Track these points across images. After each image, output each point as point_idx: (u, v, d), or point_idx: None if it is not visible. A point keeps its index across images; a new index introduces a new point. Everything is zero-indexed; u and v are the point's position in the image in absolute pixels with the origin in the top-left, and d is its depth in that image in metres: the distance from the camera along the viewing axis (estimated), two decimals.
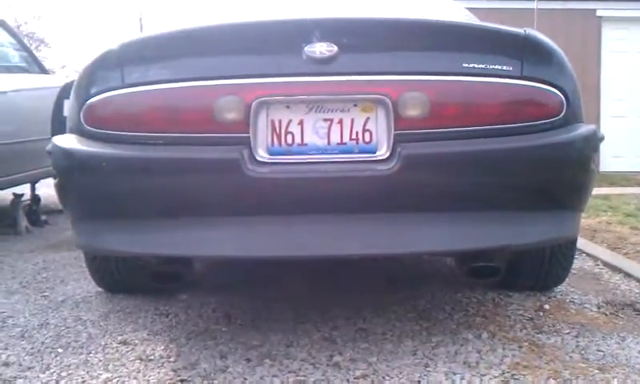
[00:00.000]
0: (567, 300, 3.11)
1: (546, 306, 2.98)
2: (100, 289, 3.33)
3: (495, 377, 2.18)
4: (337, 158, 2.18)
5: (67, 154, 2.29)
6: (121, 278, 3.13)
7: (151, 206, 2.19)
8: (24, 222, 5.38)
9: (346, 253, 2.21)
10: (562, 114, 2.23)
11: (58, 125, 3.42)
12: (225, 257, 2.28)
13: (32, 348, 2.57)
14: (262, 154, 2.17)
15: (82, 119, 2.29)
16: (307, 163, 2.17)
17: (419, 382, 2.17)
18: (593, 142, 2.29)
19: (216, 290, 3.26)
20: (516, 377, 2.18)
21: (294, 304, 3.03)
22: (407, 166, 2.09)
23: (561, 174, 2.20)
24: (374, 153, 2.17)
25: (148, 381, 2.24)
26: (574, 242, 3.04)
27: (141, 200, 2.19)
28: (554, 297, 3.16)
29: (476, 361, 2.33)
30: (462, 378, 2.18)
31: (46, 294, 3.37)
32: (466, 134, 2.15)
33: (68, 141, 2.34)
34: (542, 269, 3.07)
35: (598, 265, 3.96)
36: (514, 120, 2.19)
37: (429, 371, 2.25)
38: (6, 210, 5.41)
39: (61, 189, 2.37)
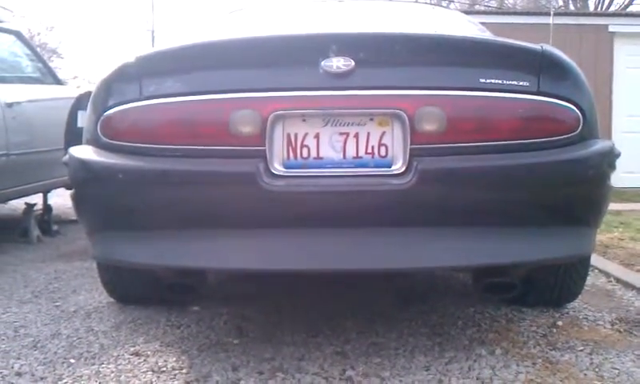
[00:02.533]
0: (580, 316, 3.09)
1: (559, 323, 2.96)
2: (112, 299, 3.34)
3: None
4: (352, 172, 2.18)
5: (84, 165, 2.30)
6: (133, 289, 3.13)
7: (167, 218, 2.19)
8: (36, 232, 5.40)
9: (360, 267, 2.21)
10: (579, 129, 2.22)
11: (72, 136, 3.44)
12: (239, 270, 2.28)
13: (44, 358, 2.57)
14: (277, 168, 2.17)
15: (99, 131, 2.31)
16: (323, 177, 2.18)
17: None
18: (609, 158, 2.28)
19: (227, 302, 3.25)
20: None
21: (306, 317, 3.02)
22: (423, 181, 2.09)
23: (577, 191, 2.20)
24: (390, 167, 2.17)
25: None
26: (588, 258, 3.03)
27: (156, 212, 2.20)
28: (567, 313, 3.13)
29: (490, 377, 2.31)
30: None
31: (57, 304, 3.38)
32: (482, 149, 2.15)
33: (85, 152, 2.36)
34: (555, 285, 3.05)
35: (610, 281, 3.93)
36: (530, 136, 2.18)
37: None
38: (18, 220, 5.43)
39: (77, 200, 2.39)
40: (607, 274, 4.04)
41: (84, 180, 2.33)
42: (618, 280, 3.91)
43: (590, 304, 3.32)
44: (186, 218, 2.18)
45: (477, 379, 2.29)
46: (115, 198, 2.22)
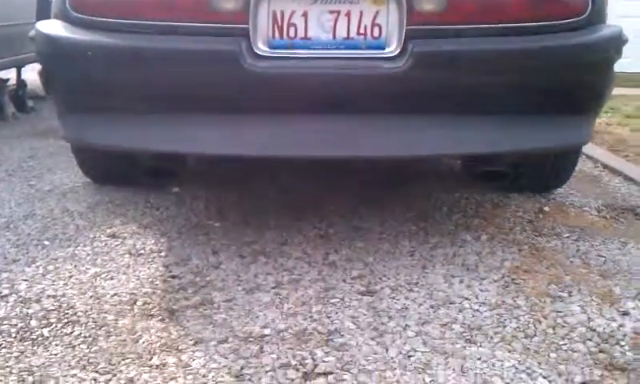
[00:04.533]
0: (567, 202, 3.04)
1: (546, 209, 2.92)
2: (88, 179, 3.23)
3: (495, 281, 2.13)
4: (342, 54, 2.03)
5: (51, 40, 2.12)
6: (109, 170, 3.02)
7: (141, 100, 2.04)
8: (10, 108, 5.23)
9: (348, 154, 2.09)
10: (587, 13, 2.07)
11: (43, 9, 3.22)
12: (220, 155, 2.16)
13: (17, 240, 2.49)
14: (261, 47, 2.01)
15: (67, 4, 2.12)
16: (310, 58, 2.02)
17: (417, 283, 2.11)
18: (618, 44, 2.14)
19: (209, 185, 3.17)
20: (516, 281, 2.13)
21: (289, 202, 2.95)
22: (419, 65, 1.95)
23: (582, 78, 2.06)
24: (383, 49, 2.02)
25: (138, 276, 2.17)
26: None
27: (130, 93, 2.04)
28: (554, 199, 3.09)
29: (475, 264, 2.27)
30: (461, 281, 2.12)
31: (32, 183, 3.28)
32: (484, 32, 2.00)
33: (52, 27, 2.17)
34: (545, 171, 2.98)
35: (597, 167, 3.88)
36: (535, 18, 2.02)
37: (427, 273, 2.19)
38: None
39: (45, 78, 2.22)
40: (594, 160, 3.99)
41: (51, 57, 2.15)
42: (605, 166, 3.87)
43: (577, 190, 3.27)
44: (162, 101, 2.03)
45: (462, 266, 2.25)
46: (84, 77, 2.06)
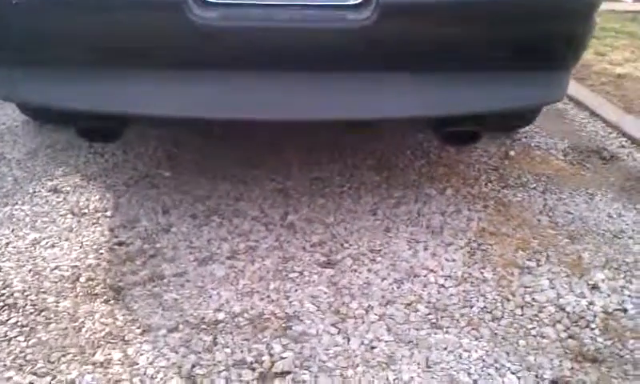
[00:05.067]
0: (532, 144, 2.95)
1: (511, 153, 2.82)
2: (27, 117, 2.99)
3: (461, 247, 2.03)
4: (300, 2, 1.81)
5: None
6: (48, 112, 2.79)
7: (75, 53, 1.81)
8: None
9: (304, 116, 1.91)
10: None
11: None
12: (163, 117, 1.96)
13: None
14: None
15: None
16: (264, 6, 1.80)
17: (380, 251, 2.01)
18: None
19: (157, 125, 2.96)
20: (483, 247, 2.04)
21: (244, 148, 2.78)
22: (384, 16, 1.75)
23: (559, 27, 1.89)
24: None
25: (81, 243, 2.02)
26: None
27: (62, 44, 1.81)
28: (519, 140, 2.99)
29: (440, 225, 2.17)
30: (426, 248, 2.02)
31: None
32: None
33: None
34: (512, 113, 2.86)
35: (568, 104, 3.77)
36: None
37: (390, 238, 2.08)
38: None
39: None
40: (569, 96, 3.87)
41: None
42: (570, 98, 3.75)
43: (543, 128, 3.16)
44: (98, 54, 1.81)
45: (426, 228, 2.15)
46: (10, 25, 1.81)
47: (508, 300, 1.78)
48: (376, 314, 1.70)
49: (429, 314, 1.71)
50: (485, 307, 1.75)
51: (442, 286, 1.84)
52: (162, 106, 1.84)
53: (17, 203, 2.26)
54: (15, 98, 2.10)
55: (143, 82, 1.81)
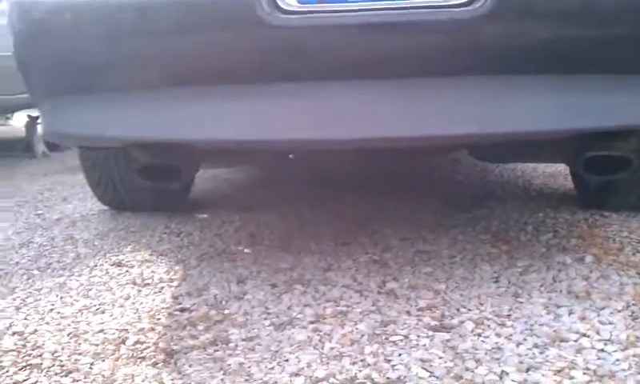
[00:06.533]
0: None
1: None
2: (105, 207, 2.79)
3: (619, 311, 1.53)
4: (394, 5, 1.50)
5: (23, 7, 1.67)
6: (124, 188, 2.56)
7: (130, 73, 1.55)
8: (41, 146, 4.90)
9: (412, 134, 1.52)
10: None
11: None
12: (237, 141, 1.61)
13: (1, 269, 2.02)
14: (288, 2, 1.50)
15: None
16: (350, 12, 1.50)
17: (509, 315, 1.53)
18: None
19: (242, 209, 2.67)
20: None
21: (335, 224, 2.42)
22: (501, 8, 1.41)
23: None
24: None
25: (136, 309, 1.67)
26: None
27: (116, 64, 1.56)
28: None
29: (585, 290, 1.67)
30: (572, 312, 1.53)
31: (40, 212, 2.86)
32: None
33: None
34: None
35: None
36: None
37: (521, 303, 1.61)
38: (22, 136, 4.93)
39: (18, 56, 1.75)
40: None
41: (22, 26, 1.68)
42: None
43: None
44: (157, 71, 1.54)
45: (567, 293, 1.66)
46: (60, 46, 1.59)
47: None
48: (514, 381, 1.22)
49: (589, 381, 1.21)
50: None
51: (602, 350, 1.33)
52: (230, 128, 1.52)
53: (73, 275, 1.96)
54: (59, 135, 1.83)
55: (209, 101, 1.52)
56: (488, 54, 1.47)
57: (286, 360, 1.34)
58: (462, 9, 1.44)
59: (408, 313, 1.56)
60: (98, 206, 2.83)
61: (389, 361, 1.31)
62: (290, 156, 2.87)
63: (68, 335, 1.50)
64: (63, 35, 1.59)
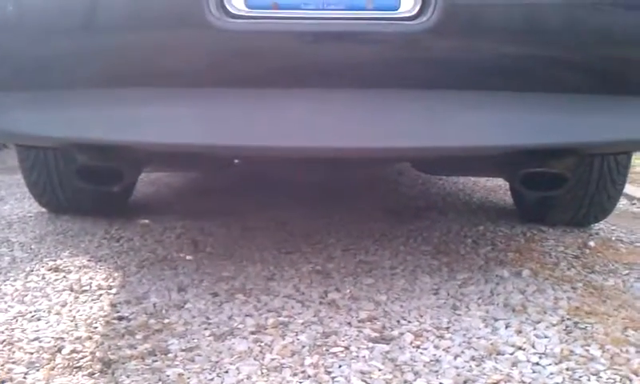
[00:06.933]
0: (613, 238, 2.52)
1: (591, 244, 2.38)
2: (43, 209, 2.71)
3: (553, 325, 1.58)
4: (340, 14, 1.52)
5: None
6: (62, 191, 2.50)
7: (75, 70, 1.52)
8: None
9: (354, 145, 1.54)
10: None
11: None
12: (177, 145, 1.59)
13: None
14: (236, 5, 1.50)
15: None
16: (299, 19, 1.51)
17: (448, 328, 1.56)
18: None
19: (184, 216, 2.65)
20: (581, 325, 1.58)
21: (278, 233, 2.42)
22: (448, 21, 1.44)
23: None
24: (396, 9, 1.51)
25: (73, 317, 1.62)
26: (628, 164, 2.45)
27: (59, 61, 1.53)
28: (597, 234, 2.56)
29: (522, 304, 1.72)
30: (508, 326, 1.57)
31: None
32: None
33: None
34: (585, 197, 2.47)
35: (634, 204, 3.38)
36: None
37: (459, 315, 1.64)
38: None
39: None
40: (630, 197, 3.48)
41: None
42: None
43: (620, 226, 2.74)
44: (103, 71, 1.51)
45: (504, 306, 1.70)
46: (2, 40, 1.55)
47: (630, 379, 1.30)
48: None
49: None
50: None
51: (537, 364, 1.37)
52: (172, 131, 1.50)
53: (8, 279, 1.90)
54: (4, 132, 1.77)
55: (150, 103, 1.50)
56: (431, 68, 1.50)
57: (226, 371, 1.33)
58: (408, 22, 1.47)
59: (349, 324, 1.58)
60: (35, 208, 2.76)
61: (329, 373, 1.32)
62: (236, 161, 2.85)
63: (1, 343, 1.45)
64: (2, 28, 1.55)
